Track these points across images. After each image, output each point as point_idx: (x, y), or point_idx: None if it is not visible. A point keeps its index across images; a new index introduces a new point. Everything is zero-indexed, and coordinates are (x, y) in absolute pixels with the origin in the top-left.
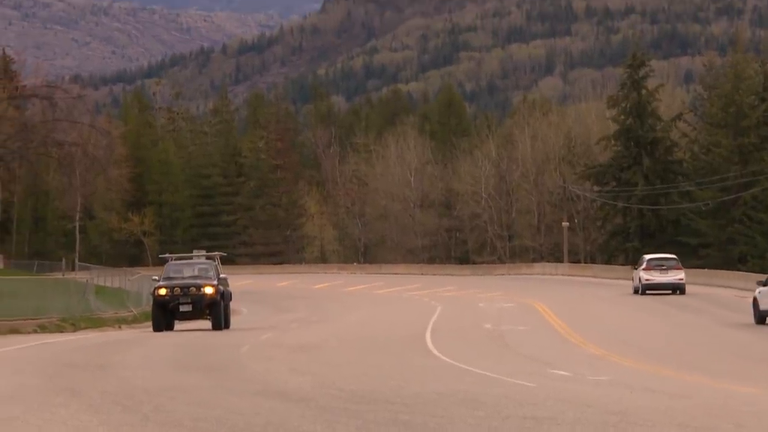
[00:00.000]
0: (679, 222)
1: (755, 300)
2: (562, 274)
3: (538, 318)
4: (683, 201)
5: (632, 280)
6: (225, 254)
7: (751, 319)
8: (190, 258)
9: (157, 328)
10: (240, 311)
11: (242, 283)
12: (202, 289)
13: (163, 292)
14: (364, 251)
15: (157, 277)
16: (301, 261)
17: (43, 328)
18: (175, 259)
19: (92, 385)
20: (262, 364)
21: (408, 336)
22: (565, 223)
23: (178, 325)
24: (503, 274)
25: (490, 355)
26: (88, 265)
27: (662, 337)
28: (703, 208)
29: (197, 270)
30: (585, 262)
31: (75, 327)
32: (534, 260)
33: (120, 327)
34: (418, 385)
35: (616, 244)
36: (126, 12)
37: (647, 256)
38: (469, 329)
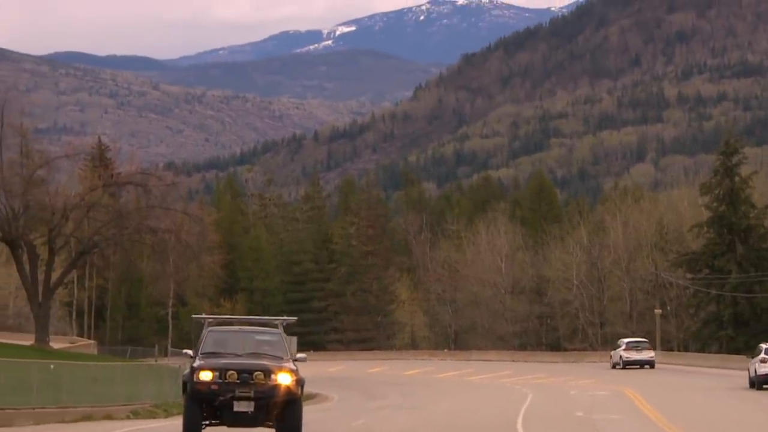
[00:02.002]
0: None
1: (748, 371)
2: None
3: (631, 406)
4: None
5: (610, 358)
6: (295, 318)
7: None
8: (246, 323)
9: None
10: (331, 397)
11: (334, 369)
12: (273, 376)
13: (207, 377)
14: (454, 338)
15: (191, 353)
16: (391, 347)
17: (136, 414)
18: (218, 324)
19: None
20: None
21: (500, 424)
22: (657, 311)
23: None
24: (595, 362)
25: None
26: (181, 350)
27: (760, 429)
28: None
29: (258, 343)
30: (678, 350)
31: (167, 413)
32: None
33: None
34: None
35: (709, 332)
36: (219, 100)
37: (625, 340)
38: (560, 417)
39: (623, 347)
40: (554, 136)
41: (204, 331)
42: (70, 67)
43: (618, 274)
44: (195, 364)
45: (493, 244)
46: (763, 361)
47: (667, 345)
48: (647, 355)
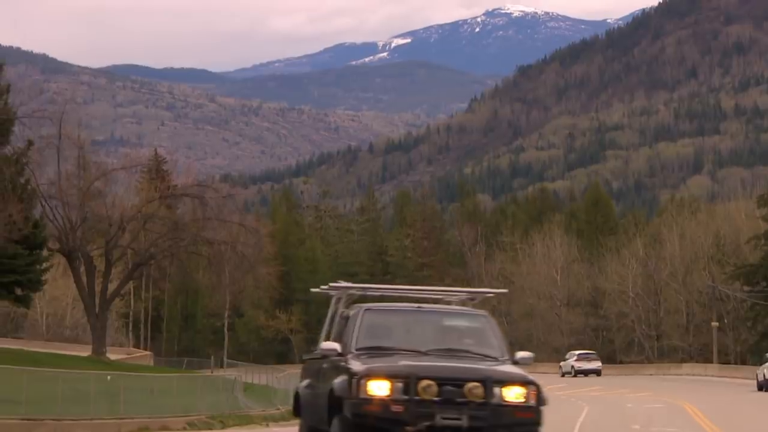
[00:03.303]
0: None
1: (756, 377)
2: (712, 375)
3: (688, 420)
4: None
5: (560, 368)
6: (505, 291)
7: None
8: (428, 297)
9: None
10: None
11: None
12: (496, 389)
13: (382, 389)
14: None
15: (337, 347)
16: None
17: (192, 426)
18: (365, 297)
19: None
20: None
21: None
22: (714, 324)
23: None
24: (651, 374)
25: None
26: (236, 362)
27: None
28: None
29: (449, 332)
30: (735, 363)
31: (223, 424)
32: (682, 360)
33: (268, 425)
34: None
35: (767, 345)
36: (275, 112)
37: (576, 352)
38: (617, 430)
39: (574, 358)
40: (610, 147)
41: (351, 312)
42: (127, 80)
43: (674, 286)
44: (354, 368)
45: (548, 256)
46: None
47: (724, 358)
48: (595, 364)
